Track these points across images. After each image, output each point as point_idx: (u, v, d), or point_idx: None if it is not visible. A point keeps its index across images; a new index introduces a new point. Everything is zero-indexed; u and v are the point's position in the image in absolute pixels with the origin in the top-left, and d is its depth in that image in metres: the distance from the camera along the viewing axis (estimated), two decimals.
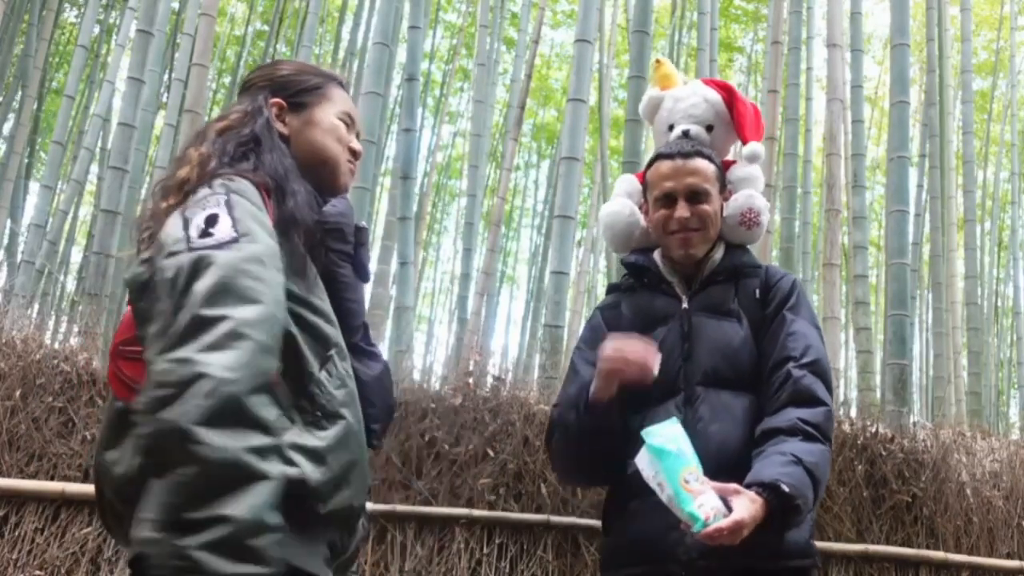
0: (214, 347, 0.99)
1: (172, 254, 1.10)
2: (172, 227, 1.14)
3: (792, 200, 7.10)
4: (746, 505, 1.44)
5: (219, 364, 0.97)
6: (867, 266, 6.39)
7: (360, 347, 1.33)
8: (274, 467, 0.99)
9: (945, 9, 8.39)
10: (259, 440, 0.98)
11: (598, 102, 9.65)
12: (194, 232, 1.11)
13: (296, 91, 1.40)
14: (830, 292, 5.78)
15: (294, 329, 1.16)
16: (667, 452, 1.46)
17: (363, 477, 1.22)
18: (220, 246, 1.09)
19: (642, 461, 1.50)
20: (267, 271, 1.09)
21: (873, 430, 3.62)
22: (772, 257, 6.57)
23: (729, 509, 1.43)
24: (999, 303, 12.91)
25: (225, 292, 1.04)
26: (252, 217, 1.15)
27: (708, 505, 1.41)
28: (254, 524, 0.94)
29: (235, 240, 1.10)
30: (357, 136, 1.47)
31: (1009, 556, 3.67)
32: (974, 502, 3.66)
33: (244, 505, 0.94)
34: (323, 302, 1.24)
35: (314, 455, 1.12)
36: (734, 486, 1.47)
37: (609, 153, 9.84)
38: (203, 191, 1.18)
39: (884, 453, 3.54)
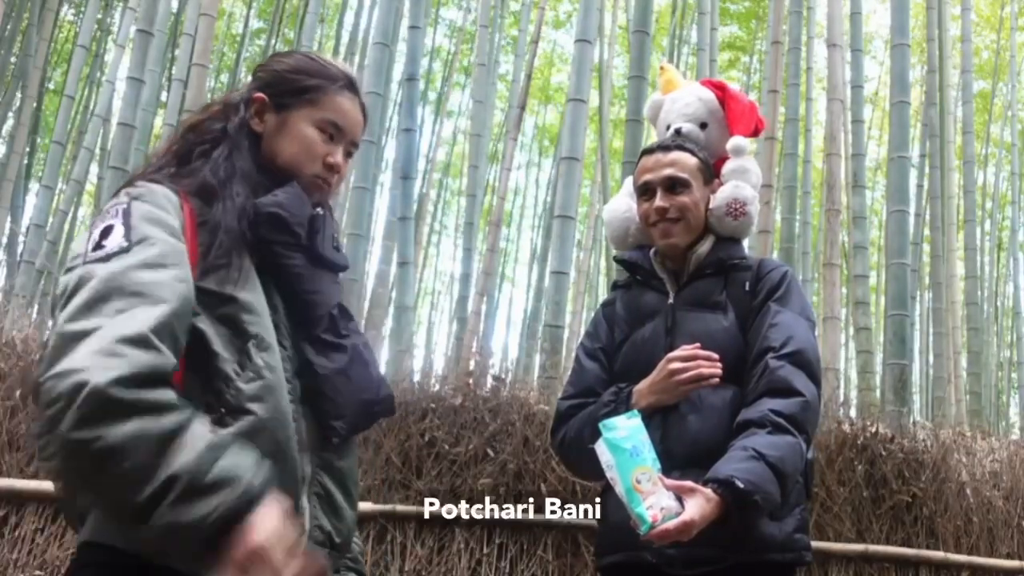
0: (89, 354, 1.00)
1: (69, 269, 1.13)
2: (79, 241, 1.16)
3: (792, 200, 7.10)
4: (699, 504, 1.44)
5: (97, 367, 0.98)
6: (867, 266, 6.39)
7: (323, 339, 1.27)
8: (181, 415, 1.02)
9: (946, 9, 8.39)
10: (156, 415, 1.00)
11: (598, 102, 9.66)
12: (90, 246, 1.13)
13: (283, 90, 1.35)
14: (830, 292, 5.78)
15: (204, 325, 1.16)
16: (622, 449, 1.47)
17: (285, 476, 1.16)
18: (107, 258, 1.10)
19: (600, 451, 1.50)
20: (157, 273, 1.10)
21: (873, 430, 3.62)
22: (772, 257, 6.58)
23: (683, 507, 1.44)
24: (999, 303, 12.92)
25: (102, 302, 1.05)
26: (149, 220, 1.16)
27: (657, 506, 1.42)
28: (197, 465, 0.98)
29: (125, 250, 1.11)
30: (354, 145, 1.40)
31: (1009, 556, 3.67)
32: (974, 502, 3.66)
33: (177, 461, 0.98)
34: (249, 295, 1.20)
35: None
36: (689, 484, 1.46)
37: (609, 153, 9.84)
38: (112, 201, 1.20)
39: (884, 453, 3.54)
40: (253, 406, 1.14)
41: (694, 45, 9.51)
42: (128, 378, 0.99)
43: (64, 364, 0.99)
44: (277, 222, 1.26)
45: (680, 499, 1.45)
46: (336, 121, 1.35)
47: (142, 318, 1.05)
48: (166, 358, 1.05)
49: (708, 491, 1.46)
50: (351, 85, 1.39)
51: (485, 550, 3.15)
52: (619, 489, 1.46)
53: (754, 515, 1.50)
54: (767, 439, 1.53)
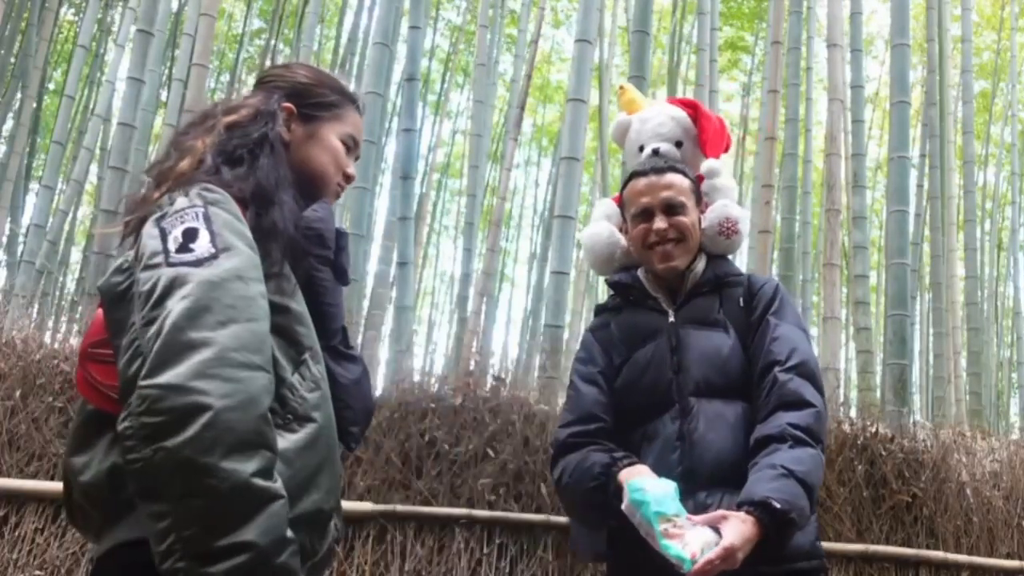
0: (205, 374, 0.99)
1: (150, 267, 1.10)
2: (150, 239, 1.13)
3: (792, 200, 7.10)
4: (736, 528, 1.45)
5: (216, 393, 0.98)
6: (867, 266, 6.39)
7: (338, 350, 1.33)
8: (279, 484, 1.03)
9: (946, 9, 8.39)
10: (262, 461, 1.01)
11: (598, 102, 9.65)
12: (172, 246, 1.11)
13: (310, 103, 1.40)
14: (830, 292, 5.78)
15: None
16: (647, 504, 1.50)
17: (332, 479, 1.22)
18: (199, 263, 1.09)
19: (629, 511, 1.54)
20: (248, 286, 1.10)
21: (873, 430, 3.62)
22: (772, 257, 6.58)
23: (721, 535, 1.44)
24: (999, 303, 12.91)
25: (205, 312, 1.04)
26: (230, 229, 1.15)
27: (694, 543, 1.44)
28: (274, 544, 0.99)
29: (214, 256, 1.10)
30: (356, 159, 1.48)
31: (1009, 556, 3.66)
32: (974, 502, 3.66)
33: (261, 528, 0.98)
34: (299, 306, 1.23)
35: (282, 458, 1.12)
36: (720, 513, 1.49)
37: (609, 153, 9.84)
38: (180, 201, 1.17)
39: (884, 453, 3.53)
40: (315, 414, 1.18)
41: (694, 45, 9.50)
42: (246, 404, 1.00)
43: (172, 376, 0.99)
44: (320, 239, 1.31)
45: (716, 529, 1.46)
46: (356, 136, 1.45)
47: (246, 336, 1.05)
48: (271, 378, 1.07)
49: (741, 514, 1.47)
50: (359, 105, 1.49)
51: (485, 550, 3.15)
52: (656, 544, 1.48)
53: (791, 532, 1.52)
54: (791, 454, 1.56)
